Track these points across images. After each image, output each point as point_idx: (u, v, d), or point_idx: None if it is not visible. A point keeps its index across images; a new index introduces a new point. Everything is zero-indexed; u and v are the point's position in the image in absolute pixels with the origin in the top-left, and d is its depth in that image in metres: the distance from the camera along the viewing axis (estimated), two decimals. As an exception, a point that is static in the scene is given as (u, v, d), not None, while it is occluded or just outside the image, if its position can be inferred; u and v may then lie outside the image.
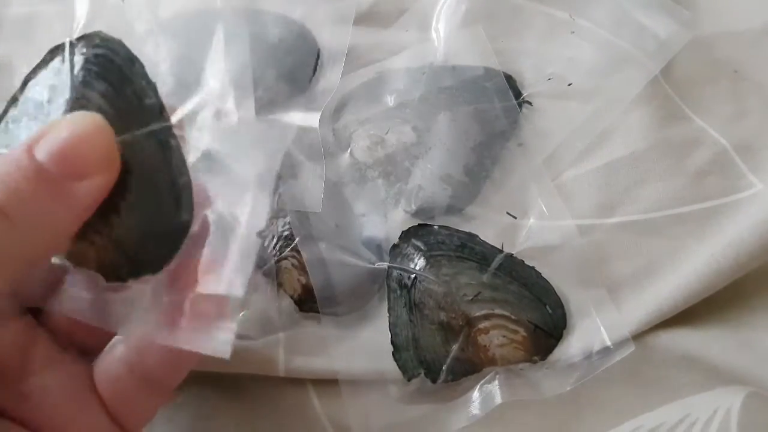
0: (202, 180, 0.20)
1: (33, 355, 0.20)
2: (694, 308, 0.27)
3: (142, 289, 0.20)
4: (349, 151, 0.31)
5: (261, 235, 0.23)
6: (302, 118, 0.30)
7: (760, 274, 0.28)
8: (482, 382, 0.27)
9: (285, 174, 0.30)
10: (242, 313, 0.28)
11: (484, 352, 0.27)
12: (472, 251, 0.28)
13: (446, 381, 0.27)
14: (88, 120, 0.18)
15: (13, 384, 0.19)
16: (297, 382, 0.28)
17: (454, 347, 0.27)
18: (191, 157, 0.20)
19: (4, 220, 0.16)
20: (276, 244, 0.29)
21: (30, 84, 0.21)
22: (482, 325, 0.27)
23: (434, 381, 0.27)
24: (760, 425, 0.24)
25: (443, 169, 0.30)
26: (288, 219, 0.29)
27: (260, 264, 0.29)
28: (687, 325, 0.27)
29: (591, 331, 0.27)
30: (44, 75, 0.20)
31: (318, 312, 0.28)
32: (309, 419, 0.27)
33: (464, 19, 0.33)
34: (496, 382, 0.27)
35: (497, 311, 0.27)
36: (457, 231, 0.29)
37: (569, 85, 0.32)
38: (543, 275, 0.28)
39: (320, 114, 0.30)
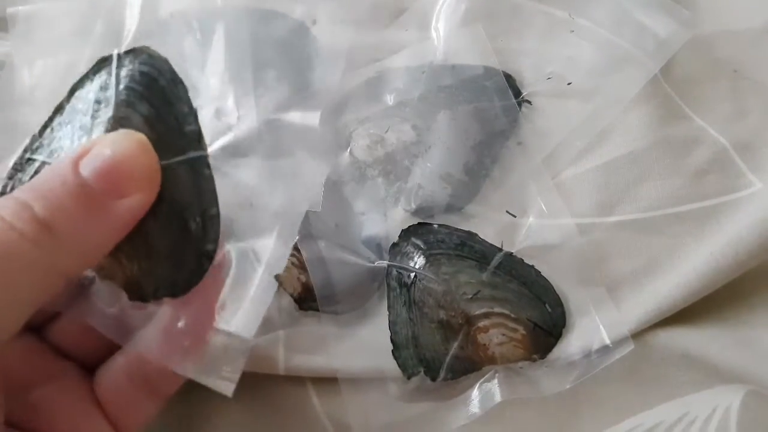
0: (229, 212, 0.20)
1: (38, 368, 0.21)
2: (693, 307, 0.27)
3: (161, 311, 0.21)
4: (348, 149, 0.31)
5: (278, 278, 0.23)
6: (302, 116, 0.30)
7: (759, 272, 0.28)
8: (482, 380, 0.27)
9: (285, 172, 0.30)
10: (240, 311, 0.28)
11: (484, 350, 0.27)
12: (471, 250, 0.28)
13: (446, 379, 0.27)
14: (132, 139, 0.18)
15: (21, 395, 0.20)
16: (297, 380, 0.28)
17: (454, 345, 0.27)
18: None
19: (47, 233, 0.17)
20: (276, 243, 0.29)
21: (76, 94, 0.21)
22: (482, 323, 0.27)
23: (434, 379, 0.27)
24: (760, 423, 0.24)
25: (443, 168, 0.30)
26: (288, 216, 0.29)
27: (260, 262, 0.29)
28: (686, 323, 0.27)
29: (590, 329, 0.27)
30: (90, 87, 0.21)
31: (318, 310, 0.28)
32: (308, 417, 0.27)
33: (464, 19, 0.33)
34: (496, 380, 0.27)
35: (497, 310, 0.27)
36: (457, 230, 0.29)
37: (569, 84, 0.32)
38: (542, 274, 0.28)
39: (320, 113, 0.30)
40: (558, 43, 0.33)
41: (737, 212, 0.28)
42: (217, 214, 0.20)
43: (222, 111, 0.28)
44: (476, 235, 0.29)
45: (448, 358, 0.27)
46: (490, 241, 0.29)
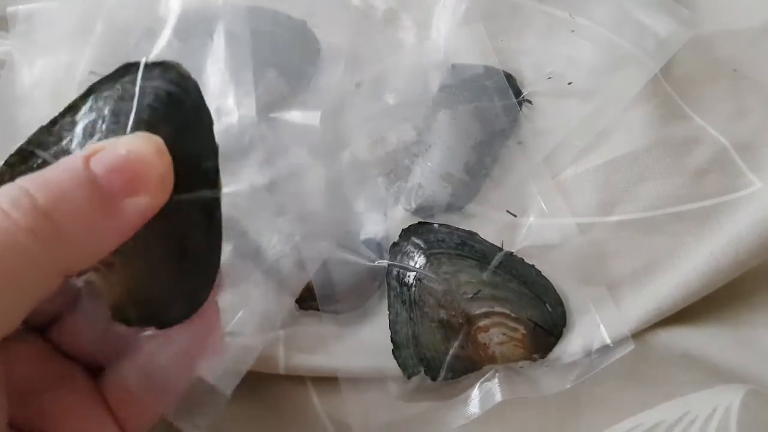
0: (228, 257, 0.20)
1: (44, 370, 0.21)
2: (693, 306, 0.27)
3: (144, 343, 0.21)
4: (349, 149, 0.31)
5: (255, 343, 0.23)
6: (303, 116, 0.30)
7: (759, 272, 0.28)
8: (482, 380, 0.27)
9: (285, 172, 0.30)
10: (241, 311, 0.28)
11: (484, 350, 0.27)
12: (472, 249, 0.28)
13: (446, 379, 0.27)
14: (149, 141, 0.18)
15: (27, 398, 0.20)
16: (297, 379, 0.28)
17: (454, 345, 0.27)
18: None
19: (49, 224, 0.16)
20: (276, 242, 0.29)
21: (93, 96, 0.19)
22: (482, 323, 0.27)
23: (434, 379, 0.27)
24: (760, 423, 0.24)
25: (443, 168, 0.30)
26: (288, 217, 0.29)
27: (260, 262, 0.29)
28: (686, 323, 0.27)
29: (590, 329, 0.27)
30: (110, 93, 0.19)
31: (318, 310, 0.28)
32: (309, 417, 0.27)
33: (464, 18, 0.33)
34: (496, 379, 0.27)
35: (497, 309, 0.27)
36: (457, 229, 0.29)
37: (569, 83, 0.32)
38: (543, 273, 0.28)
39: (320, 112, 0.30)
40: (558, 43, 0.33)
41: (737, 212, 0.28)
42: (218, 261, 0.19)
43: (222, 110, 0.28)
44: (476, 234, 0.29)
45: (448, 358, 0.27)
46: (490, 241, 0.29)
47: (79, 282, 0.20)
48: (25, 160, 0.19)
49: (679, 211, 0.29)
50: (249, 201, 0.29)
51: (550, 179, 0.30)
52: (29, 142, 0.19)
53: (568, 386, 0.26)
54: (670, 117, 0.31)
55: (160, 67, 0.19)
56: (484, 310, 0.27)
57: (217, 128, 0.19)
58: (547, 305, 0.27)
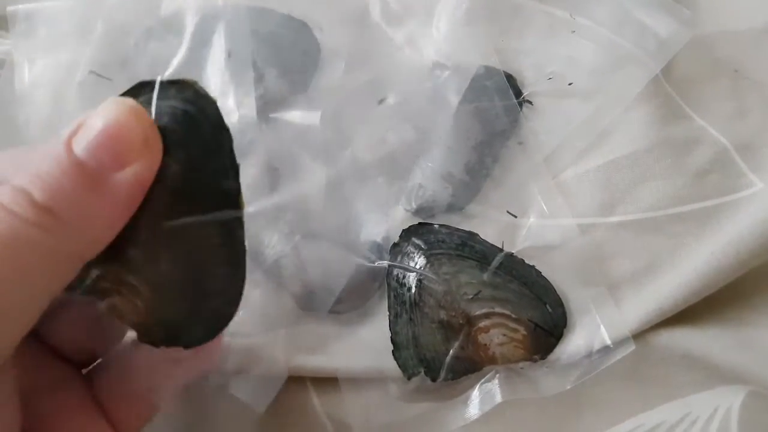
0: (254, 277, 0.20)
1: (42, 374, 0.21)
2: (694, 307, 0.27)
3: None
4: (349, 149, 0.31)
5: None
6: (303, 116, 0.30)
7: (760, 272, 0.28)
8: (482, 380, 0.27)
9: (286, 172, 0.30)
10: (241, 311, 0.28)
11: (484, 350, 0.27)
12: (472, 250, 0.28)
13: (446, 379, 0.27)
14: (121, 106, 0.17)
15: (28, 405, 0.19)
16: (297, 379, 0.28)
17: (454, 346, 0.27)
18: None
19: (51, 216, 0.16)
20: (277, 242, 0.29)
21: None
22: (482, 323, 0.27)
23: (434, 379, 0.27)
24: (761, 424, 0.24)
25: (444, 168, 0.30)
26: (289, 217, 0.29)
27: (261, 262, 0.29)
28: (687, 323, 0.27)
29: (591, 329, 0.27)
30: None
31: (318, 310, 0.28)
32: (309, 417, 0.27)
33: (465, 18, 0.33)
34: (496, 380, 0.27)
35: (497, 310, 0.27)
36: (458, 230, 0.29)
37: (570, 84, 0.32)
38: (543, 274, 0.28)
39: (321, 112, 0.30)
40: (559, 43, 0.33)
41: (738, 212, 0.28)
42: (243, 278, 0.19)
43: (222, 110, 0.28)
44: (477, 235, 0.29)
45: (448, 359, 0.27)
46: (490, 241, 0.28)
47: (102, 305, 0.19)
48: None
49: (680, 212, 0.29)
50: (248, 201, 0.29)
51: (551, 180, 0.30)
52: None
53: (569, 387, 0.26)
54: (671, 117, 0.31)
55: (176, 85, 0.18)
56: (484, 310, 0.27)
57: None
58: (548, 306, 0.27)
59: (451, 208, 0.30)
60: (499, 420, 0.26)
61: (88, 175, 0.17)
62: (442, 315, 0.27)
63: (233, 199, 0.18)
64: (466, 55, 0.32)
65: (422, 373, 0.27)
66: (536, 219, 0.29)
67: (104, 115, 0.17)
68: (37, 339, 0.21)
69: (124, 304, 0.19)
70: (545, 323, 0.27)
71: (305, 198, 0.29)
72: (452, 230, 0.29)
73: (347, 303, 0.28)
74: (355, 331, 0.28)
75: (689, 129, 0.31)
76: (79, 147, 0.17)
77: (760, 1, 0.34)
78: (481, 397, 0.27)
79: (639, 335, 0.27)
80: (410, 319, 0.27)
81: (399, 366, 0.27)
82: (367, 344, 0.28)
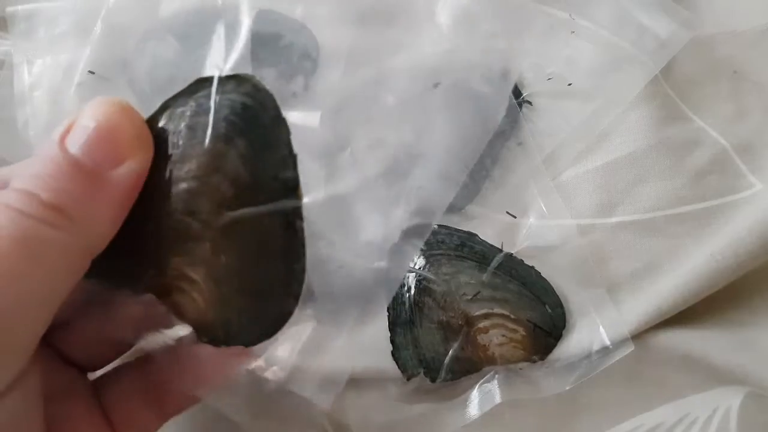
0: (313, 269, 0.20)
1: (54, 382, 0.21)
2: (693, 308, 0.27)
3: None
4: (349, 150, 0.31)
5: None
6: (302, 117, 0.30)
7: (760, 274, 0.28)
8: (481, 381, 0.27)
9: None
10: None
11: (484, 351, 0.27)
12: (471, 250, 0.28)
13: (446, 380, 0.27)
14: (112, 106, 0.18)
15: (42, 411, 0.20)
16: (296, 380, 0.28)
17: (454, 346, 0.27)
18: None
19: (58, 213, 0.17)
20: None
21: (167, 113, 0.19)
22: (482, 324, 0.27)
23: (434, 380, 0.27)
24: (760, 425, 0.24)
25: (443, 169, 0.30)
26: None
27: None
28: (686, 325, 0.27)
29: (590, 330, 0.27)
30: (185, 110, 0.19)
31: (317, 311, 0.28)
32: (308, 417, 0.27)
33: (464, 19, 0.33)
34: (496, 381, 0.27)
35: (497, 310, 0.27)
36: (457, 230, 0.29)
37: (569, 84, 0.32)
38: (542, 274, 0.28)
39: (320, 113, 0.30)
40: (558, 44, 0.33)
41: (738, 213, 0.28)
42: (304, 270, 0.19)
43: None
44: (476, 235, 0.29)
45: (447, 359, 0.27)
46: (490, 242, 0.28)
47: (163, 307, 0.19)
48: None
49: (680, 213, 0.29)
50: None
51: (550, 180, 0.30)
52: None
53: (568, 388, 0.26)
54: (670, 118, 0.31)
55: (235, 80, 0.19)
56: (483, 311, 0.27)
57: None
58: (547, 306, 0.27)
59: (451, 208, 0.30)
60: (498, 420, 0.26)
61: (85, 173, 0.17)
62: (442, 315, 0.27)
63: (293, 189, 0.18)
64: (465, 56, 0.32)
65: (422, 373, 0.27)
66: (536, 219, 0.29)
67: (94, 114, 0.17)
68: (47, 345, 0.21)
69: (184, 300, 0.19)
70: (544, 324, 0.27)
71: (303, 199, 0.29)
72: (452, 231, 0.29)
73: (346, 304, 0.28)
74: (354, 331, 0.28)
75: (688, 130, 0.31)
76: (74, 147, 0.17)
77: (760, 2, 0.34)
78: (481, 397, 0.27)
79: (638, 336, 0.27)
80: (410, 319, 0.27)
81: (398, 366, 0.27)
82: (366, 345, 0.28)
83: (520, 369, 0.27)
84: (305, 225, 0.18)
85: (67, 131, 0.17)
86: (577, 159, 0.30)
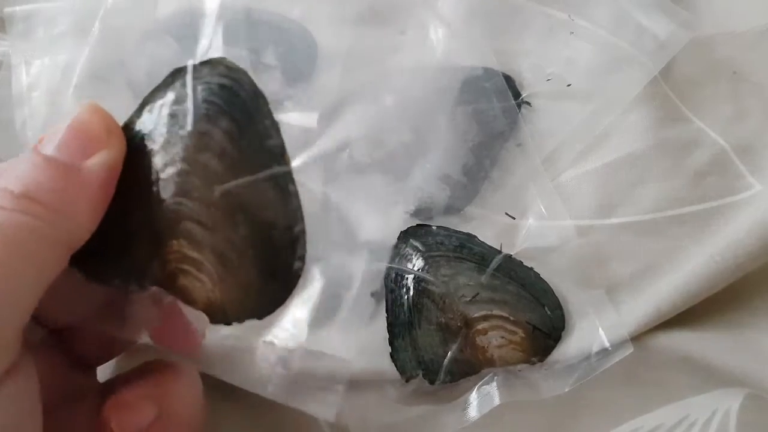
0: (315, 228, 0.20)
1: (65, 384, 0.21)
2: (693, 309, 0.27)
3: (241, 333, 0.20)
4: (347, 150, 0.31)
5: (376, 296, 0.21)
6: (301, 117, 0.30)
7: (759, 275, 0.27)
8: (480, 383, 0.27)
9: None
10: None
11: (483, 353, 0.27)
12: (470, 252, 0.28)
13: (444, 382, 0.27)
14: (81, 107, 0.19)
15: (49, 415, 0.19)
16: (295, 382, 0.28)
17: (453, 348, 0.27)
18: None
19: (35, 204, 0.17)
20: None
21: (147, 107, 0.19)
22: (481, 326, 0.27)
23: (432, 382, 0.27)
24: (759, 427, 0.24)
25: (442, 170, 0.30)
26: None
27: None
28: (686, 326, 0.27)
29: (589, 332, 0.27)
30: (164, 101, 0.19)
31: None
32: (306, 419, 0.27)
33: (464, 19, 0.33)
34: (495, 383, 0.27)
35: (496, 312, 0.27)
36: (456, 231, 0.29)
37: (568, 85, 0.32)
38: (541, 276, 0.28)
39: (319, 114, 0.29)
40: (558, 44, 0.33)
41: (737, 214, 0.28)
42: (304, 231, 0.19)
43: None
44: (475, 237, 0.29)
45: (446, 361, 0.27)
46: (489, 243, 0.28)
47: (171, 297, 0.19)
48: None
49: (679, 214, 0.29)
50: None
51: (549, 181, 0.30)
52: None
53: (567, 389, 0.26)
54: (670, 119, 0.31)
55: (208, 64, 0.19)
56: (482, 312, 0.27)
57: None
58: (546, 308, 0.27)
59: (450, 209, 0.30)
60: (497, 422, 0.26)
61: (58, 166, 0.18)
62: (441, 317, 0.27)
63: (279, 155, 0.19)
64: (464, 57, 0.32)
65: (420, 375, 0.27)
66: (535, 221, 0.29)
67: (66, 118, 0.18)
68: (54, 348, 0.21)
69: (191, 283, 0.19)
70: (543, 325, 0.27)
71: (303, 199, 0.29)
72: (450, 232, 0.29)
73: (345, 304, 0.28)
74: (353, 332, 0.28)
75: (688, 131, 0.31)
76: (48, 148, 0.18)
77: (759, 3, 0.34)
78: (480, 399, 0.27)
79: (637, 338, 0.27)
80: (408, 321, 0.27)
81: (397, 368, 0.27)
82: (364, 346, 0.28)
83: (519, 371, 0.27)
84: (299, 189, 0.19)
85: (41, 140, 0.18)
86: (577, 160, 0.30)
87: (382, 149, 0.31)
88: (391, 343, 0.27)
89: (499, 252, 0.28)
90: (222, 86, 0.19)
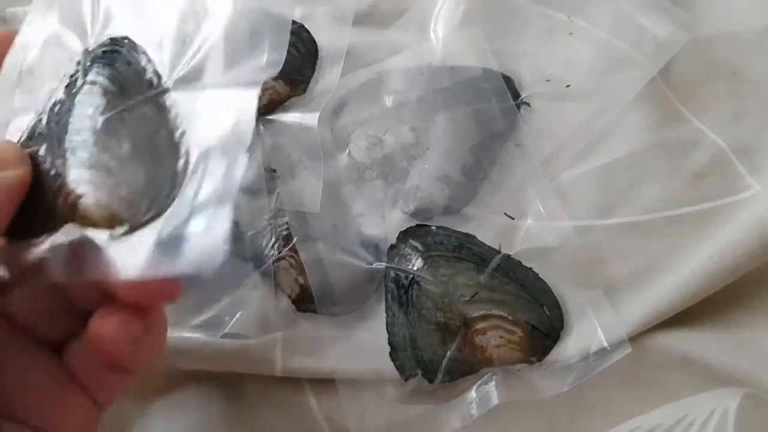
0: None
1: (7, 348, 0.21)
2: (691, 309, 0.27)
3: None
4: (347, 151, 0.31)
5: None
6: (301, 118, 0.30)
7: (758, 275, 0.27)
8: (479, 382, 0.27)
9: (283, 174, 0.30)
10: (239, 312, 0.28)
11: (482, 352, 0.27)
12: (469, 252, 0.28)
13: (443, 381, 0.27)
14: None
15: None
16: (294, 381, 0.28)
17: (452, 348, 0.27)
18: None
19: None
20: (274, 244, 0.29)
21: (51, 89, 0.23)
22: (479, 325, 0.27)
23: (431, 381, 0.27)
24: (757, 426, 0.24)
25: (441, 170, 0.30)
26: (286, 219, 0.29)
27: (258, 264, 0.29)
28: (684, 326, 0.27)
29: (588, 332, 0.27)
30: (62, 78, 0.23)
31: (315, 312, 0.28)
32: (306, 419, 0.27)
33: (463, 20, 0.33)
34: (493, 382, 0.27)
35: (494, 312, 0.27)
36: (455, 232, 0.29)
37: (567, 86, 0.32)
38: (540, 276, 0.28)
39: (319, 114, 0.30)
40: (557, 45, 0.33)
41: (736, 215, 0.28)
42: (183, 135, 0.21)
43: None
44: (474, 237, 0.29)
45: (445, 360, 0.27)
46: (488, 243, 0.29)
47: (80, 231, 0.21)
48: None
49: (678, 214, 0.29)
50: (247, 202, 0.29)
51: (548, 182, 0.30)
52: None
53: (566, 389, 0.26)
54: (669, 120, 0.31)
55: (97, 44, 0.23)
56: (481, 312, 0.27)
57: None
58: (545, 308, 0.27)
59: (449, 210, 0.30)
60: (496, 422, 0.26)
61: None
62: (440, 317, 0.27)
63: (155, 82, 0.22)
64: (464, 57, 0.32)
65: (419, 374, 0.27)
66: (534, 221, 0.29)
67: None
68: (6, 320, 0.22)
69: (88, 203, 0.21)
70: (542, 325, 0.27)
71: (302, 200, 0.29)
72: (450, 232, 0.29)
73: (344, 305, 0.28)
74: (353, 333, 0.28)
75: (687, 131, 0.31)
76: None
77: (759, 4, 0.34)
78: (479, 399, 0.27)
79: (636, 338, 0.27)
80: (407, 320, 0.27)
81: (396, 368, 0.27)
82: (364, 346, 0.28)
83: (518, 370, 0.27)
84: (177, 109, 0.22)
85: None
86: (576, 160, 0.30)
87: (381, 150, 0.31)
88: (390, 342, 0.27)
89: (498, 252, 0.28)
90: (105, 51, 0.23)
